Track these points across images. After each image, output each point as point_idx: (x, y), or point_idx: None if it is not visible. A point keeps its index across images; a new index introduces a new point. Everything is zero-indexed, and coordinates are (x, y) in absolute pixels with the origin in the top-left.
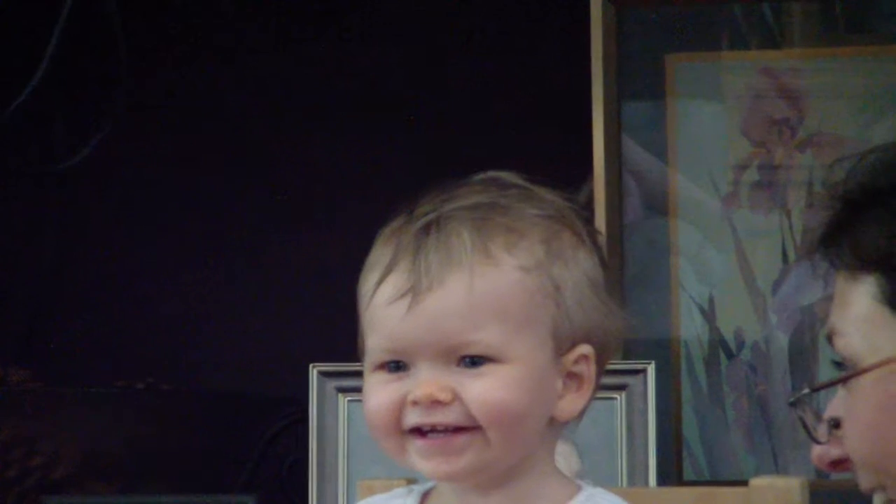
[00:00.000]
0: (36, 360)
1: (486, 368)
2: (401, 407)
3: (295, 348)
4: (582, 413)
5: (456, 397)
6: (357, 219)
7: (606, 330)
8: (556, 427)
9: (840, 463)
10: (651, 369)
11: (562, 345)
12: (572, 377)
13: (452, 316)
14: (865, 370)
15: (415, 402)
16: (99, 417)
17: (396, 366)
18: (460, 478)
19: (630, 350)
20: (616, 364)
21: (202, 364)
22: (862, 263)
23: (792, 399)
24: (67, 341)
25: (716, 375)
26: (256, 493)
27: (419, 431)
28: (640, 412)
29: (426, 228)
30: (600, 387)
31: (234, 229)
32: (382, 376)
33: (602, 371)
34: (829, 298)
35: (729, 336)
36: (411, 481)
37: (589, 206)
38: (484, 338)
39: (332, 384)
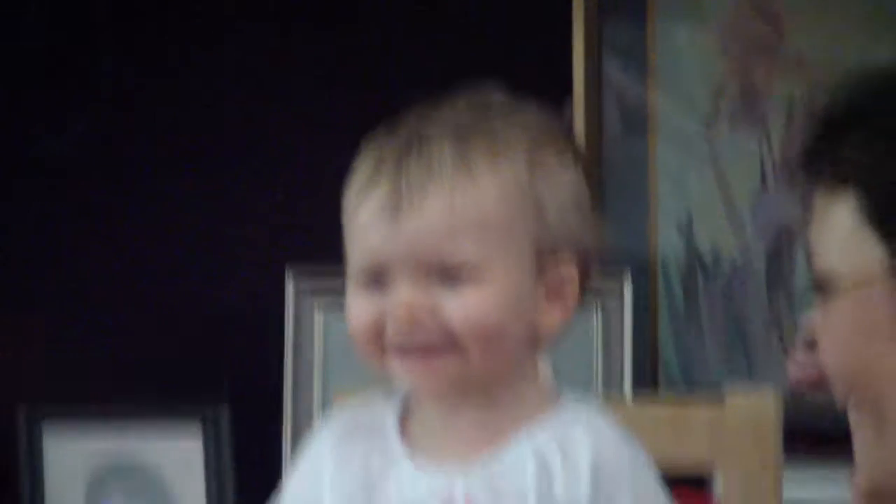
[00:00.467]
0: (11, 278)
1: (465, 286)
2: (381, 323)
3: (271, 257)
4: (564, 328)
5: (435, 315)
6: (336, 124)
7: (588, 246)
8: (538, 342)
9: (816, 382)
10: (627, 282)
11: (543, 261)
12: (554, 293)
13: (432, 233)
14: (843, 287)
15: (395, 320)
16: (73, 327)
17: (376, 282)
18: (441, 393)
19: (607, 267)
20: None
21: (177, 272)
22: (841, 180)
23: (771, 317)
24: (44, 255)
25: (692, 293)
26: (231, 404)
27: (400, 349)
28: (616, 324)
29: (408, 145)
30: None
31: (207, 137)
32: (363, 292)
33: (584, 286)
34: (807, 218)
35: (706, 254)
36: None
37: (570, 124)
38: (463, 256)
39: (309, 295)
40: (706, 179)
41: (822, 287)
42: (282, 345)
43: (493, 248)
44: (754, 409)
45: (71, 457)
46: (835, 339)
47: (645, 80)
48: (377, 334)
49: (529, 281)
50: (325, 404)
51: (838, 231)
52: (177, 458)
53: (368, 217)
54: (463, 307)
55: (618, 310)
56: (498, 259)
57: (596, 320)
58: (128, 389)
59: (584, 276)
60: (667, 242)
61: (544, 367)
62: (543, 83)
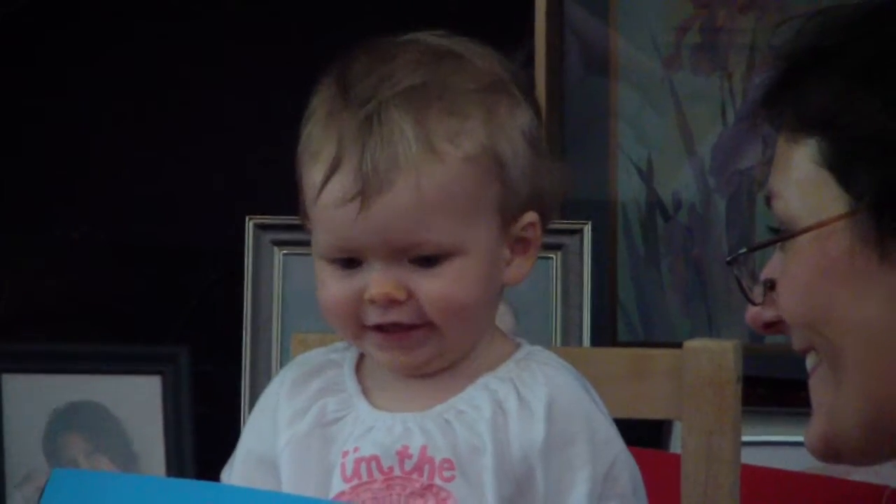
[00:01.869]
0: None
1: (438, 266)
2: (358, 303)
3: (231, 200)
4: (528, 274)
5: (411, 295)
6: (295, 71)
7: (549, 191)
8: (501, 293)
9: (773, 325)
10: (587, 229)
11: (509, 217)
12: (520, 242)
13: (402, 218)
14: (802, 231)
15: (372, 301)
16: (33, 266)
17: (349, 261)
18: (417, 368)
19: (567, 211)
20: (552, 224)
21: (138, 214)
22: (803, 125)
23: (729, 258)
24: (2, 189)
25: (652, 237)
26: (190, 345)
27: (376, 327)
28: (576, 272)
29: (368, 121)
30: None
31: (173, 81)
32: (335, 270)
33: (545, 230)
34: (767, 162)
35: (666, 198)
36: None
37: (528, 65)
38: (434, 236)
39: (268, 237)
40: (667, 122)
41: (780, 230)
42: (241, 287)
43: (462, 223)
44: (713, 357)
45: (29, 396)
46: (793, 282)
47: (606, 21)
48: (354, 313)
49: (497, 239)
50: (284, 347)
51: (799, 175)
52: (135, 399)
53: (335, 203)
54: (437, 289)
55: (577, 255)
56: (468, 232)
57: (555, 266)
58: (88, 330)
59: (546, 220)
60: (627, 186)
61: (507, 313)
62: (505, 25)
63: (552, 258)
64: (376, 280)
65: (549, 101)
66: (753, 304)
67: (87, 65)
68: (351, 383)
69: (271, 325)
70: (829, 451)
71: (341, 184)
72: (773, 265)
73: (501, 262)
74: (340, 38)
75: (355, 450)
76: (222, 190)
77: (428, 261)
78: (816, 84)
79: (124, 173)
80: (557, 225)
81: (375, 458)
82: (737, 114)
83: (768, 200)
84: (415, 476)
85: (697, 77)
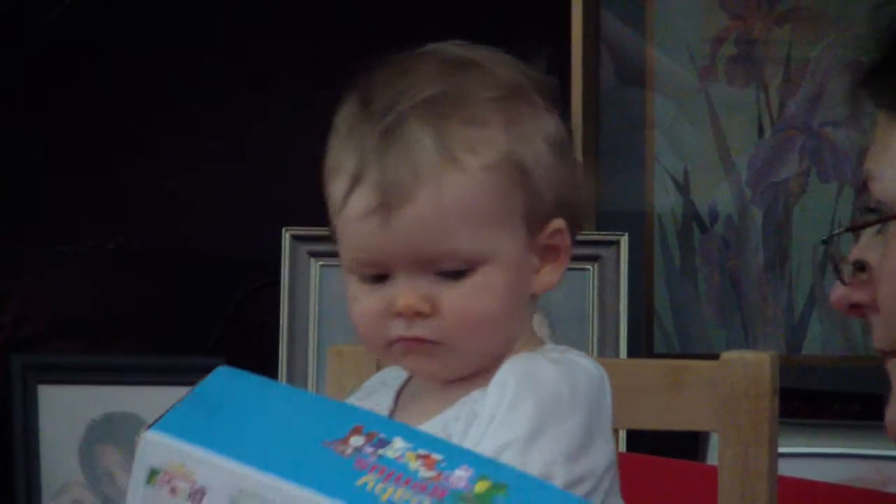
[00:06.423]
0: (4, 218)
1: (463, 278)
2: (386, 316)
3: (268, 211)
4: (559, 282)
5: (436, 309)
6: (331, 83)
7: (576, 197)
8: (532, 302)
9: (858, 307)
10: (624, 241)
11: (535, 225)
12: (548, 249)
13: (425, 230)
14: None
15: (398, 314)
16: (68, 276)
17: (375, 274)
18: (436, 374)
19: (603, 222)
20: (589, 235)
21: (173, 225)
22: None
23: (825, 238)
24: (36, 199)
25: (688, 249)
26: (226, 356)
27: (400, 339)
28: (612, 284)
29: (387, 133)
30: (573, 257)
31: (209, 90)
32: (363, 286)
33: (575, 237)
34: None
35: (703, 209)
36: None
37: (552, 71)
38: (458, 247)
39: (305, 248)
40: (703, 133)
41: (878, 213)
42: (277, 298)
43: (486, 232)
44: (750, 368)
45: (65, 408)
46: (894, 270)
47: (642, 32)
48: (382, 328)
49: (524, 248)
50: (320, 358)
51: None
52: None
53: (358, 216)
54: (461, 301)
55: (613, 267)
56: (493, 242)
57: (592, 277)
58: (123, 341)
59: (575, 226)
60: (663, 198)
61: (542, 323)
62: (541, 36)
63: (589, 269)
64: (402, 293)
65: (585, 111)
66: (844, 283)
67: (125, 75)
68: (387, 403)
69: (308, 337)
70: None
71: (363, 197)
72: (863, 246)
73: (529, 271)
74: (379, 49)
75: None
76: (259, 200)
77: (454, 274)
78: None
79: (160, 183)
80: (594, 236)
81: None
82: (773, 125)
83: (865, 183)
84: None
85: (733, 88)
